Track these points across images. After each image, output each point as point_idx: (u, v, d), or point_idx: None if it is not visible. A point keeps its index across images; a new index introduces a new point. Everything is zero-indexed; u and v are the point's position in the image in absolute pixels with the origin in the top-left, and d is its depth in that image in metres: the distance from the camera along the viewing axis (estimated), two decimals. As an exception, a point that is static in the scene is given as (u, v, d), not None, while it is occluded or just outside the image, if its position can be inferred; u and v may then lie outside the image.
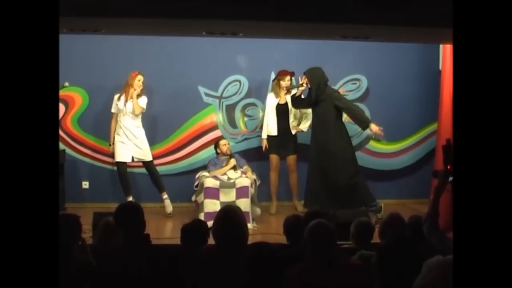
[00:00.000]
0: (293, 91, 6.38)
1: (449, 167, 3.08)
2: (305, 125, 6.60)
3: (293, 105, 6.40)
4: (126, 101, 6.18)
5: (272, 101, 6.59)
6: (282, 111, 6.54)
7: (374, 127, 6.06)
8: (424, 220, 3.06)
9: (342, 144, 6.10)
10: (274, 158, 6.63)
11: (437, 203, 3.03)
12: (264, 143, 6.65)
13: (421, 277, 2.32)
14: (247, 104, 6.98)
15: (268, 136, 6.61)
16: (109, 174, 6.77)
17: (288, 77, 6.48)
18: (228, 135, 6.91)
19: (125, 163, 6.28)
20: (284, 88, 6.46)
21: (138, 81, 6.17)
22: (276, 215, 6.44)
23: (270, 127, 6.59)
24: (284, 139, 6.56)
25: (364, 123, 6.16)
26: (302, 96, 6.28)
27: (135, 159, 6.29)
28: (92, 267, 3.12)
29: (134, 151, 6.24)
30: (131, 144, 6.22)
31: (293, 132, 6.57)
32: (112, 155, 6.37)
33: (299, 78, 6.30)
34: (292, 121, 6.55)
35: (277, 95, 6.56)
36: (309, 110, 6.48)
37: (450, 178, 3.05)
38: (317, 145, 6.13)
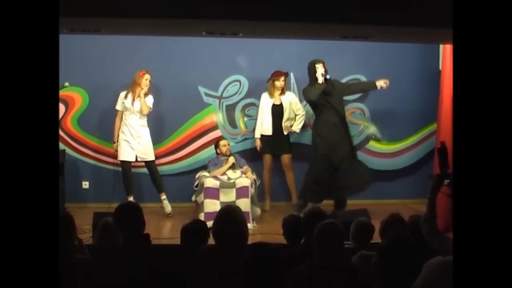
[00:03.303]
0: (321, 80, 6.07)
1: (445, 169, 3.07)
2: (297, 126, 6.63)
3: (313, 95, 6.06)
4: (134, 100, 6.18)
5: (266, 101, 6.62)
6: (277, 112, 6.57)
7: (379, 83, 6.27)
8: (422, 222, 3.05)
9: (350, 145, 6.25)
10: (268, 157, 6.68)
11: (433, 205, 3.02)
12: (258, 143, 6.68)
13: (421, 277, 2.32)
14: (247, 104, 6.98)
15: (262, 135, 6.64)
16: (110, 174, 6.75)
17: (282, 78, 6.52)
18: (228, 135, 6.91)
19: (129, 162, 6.28)
20: (320, 79, 6.06)
21: (146, 80, 6.17)
22: (275, 215, 6.44)
23: (265, 127, 6.61)
24: (278, 139, 6.60)
25: (371, 85, 6.39)
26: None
27: (138, 159, 6.29)
28: (90, 267, 3.12)
29: (138, 150, 6.24)
30: (135, 143, 6.22)
31: (285, 132, 6.59)
32: (114, 154, 6.36)
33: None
34: (284, 121, 6.57)
35: (271, 95, 6.59)
36: (303, 111, 6.56)
37: (446, 181, 3.05)
38: (327, 142, 6.13)
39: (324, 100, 6.13)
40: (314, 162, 6.25)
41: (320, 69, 6.07)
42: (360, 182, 6.23)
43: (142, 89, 6.15)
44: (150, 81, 6.20)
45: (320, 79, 6.04)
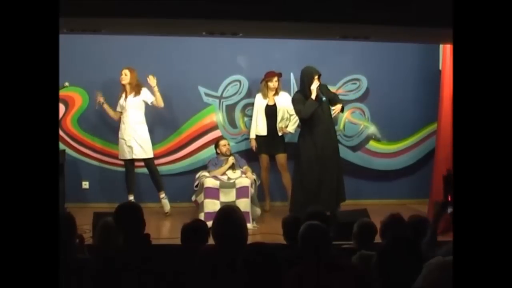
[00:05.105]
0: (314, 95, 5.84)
1: (449, 197, 3.07)
2: (292, 127, 6.60)
3: (306, 113, 5.81)
4: (126, 97, 6.27)
5: (260, 102, 6.63)
6: (271, 112, 6.57)
7: (337, 106, 5.93)
8: (423, 244, 3.08)
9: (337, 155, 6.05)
10: (264, 157, 6.69)
11: (435, 231, 3.07)
12: (253, 143, 6.68)
13: (421, 277, 2.31)
14: (247, 104, 6.98)
15: (257, 136, 6.65)
16: (109, 174, 6.77)
17: (275, 78, 6.51)
18: (228, 135, 6.92)
19: (130, 161, 6.30)
20: (314, 94, 5.79)
21: (121, 76, 6.25)
22: (275, 215, 6.43)
23: (260, 128, 6.62)
24: (273, 139, 6.59)
25: (336, 103, 6.00)
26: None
27: (135, 156, 6.30)
28: (90, 267, 3.11)
29: (135, 148, 6.25)
30: (132, 141, 6.24)
31: (280, 133, 6.58)
32: (99, 100, 6.40)
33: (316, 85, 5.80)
34: (279, 122, 6.56)
35: (265, 96, 6.59)
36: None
37: (449, 209, 3.04)
38: (316, 150, 5.87)
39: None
40: (297, 176, 6.00)
41: (315, 83, 5.76)
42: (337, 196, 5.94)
43: (129, 84, 6.22)
44: (129, 75, 6.22)
45: (314, 94, 5.75)
